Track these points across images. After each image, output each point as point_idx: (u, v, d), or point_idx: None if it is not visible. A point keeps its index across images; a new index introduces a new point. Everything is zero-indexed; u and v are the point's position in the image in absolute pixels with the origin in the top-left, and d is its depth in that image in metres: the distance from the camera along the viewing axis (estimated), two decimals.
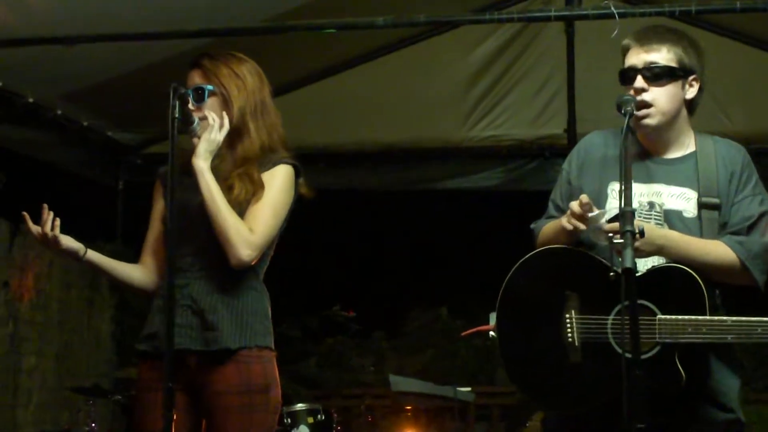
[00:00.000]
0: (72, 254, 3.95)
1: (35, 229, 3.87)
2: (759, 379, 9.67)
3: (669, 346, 3.38)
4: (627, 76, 3.64)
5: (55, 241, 3.88)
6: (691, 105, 3.71)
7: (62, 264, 8.12)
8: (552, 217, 3.82)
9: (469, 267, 12.85)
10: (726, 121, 7.86)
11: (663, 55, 3.60)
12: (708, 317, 3.38)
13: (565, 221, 3.47)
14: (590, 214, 3.41)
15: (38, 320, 8.13)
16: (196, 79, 3.93)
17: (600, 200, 3.62)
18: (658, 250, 3.47)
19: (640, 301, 3.33)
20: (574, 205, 3.45)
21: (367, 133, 8.64)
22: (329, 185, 8.61)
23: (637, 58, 3.62)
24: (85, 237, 8.13)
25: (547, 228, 3.76)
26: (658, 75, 3.59)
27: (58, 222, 3.88)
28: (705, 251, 3.49)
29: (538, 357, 3.55)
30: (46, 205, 3.88)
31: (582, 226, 3.43)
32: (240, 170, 3.85)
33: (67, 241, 3.92)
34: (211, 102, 3.88)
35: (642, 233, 3.23)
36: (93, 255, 4.00)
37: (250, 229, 3.76)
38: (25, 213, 3.90)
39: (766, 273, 3.57)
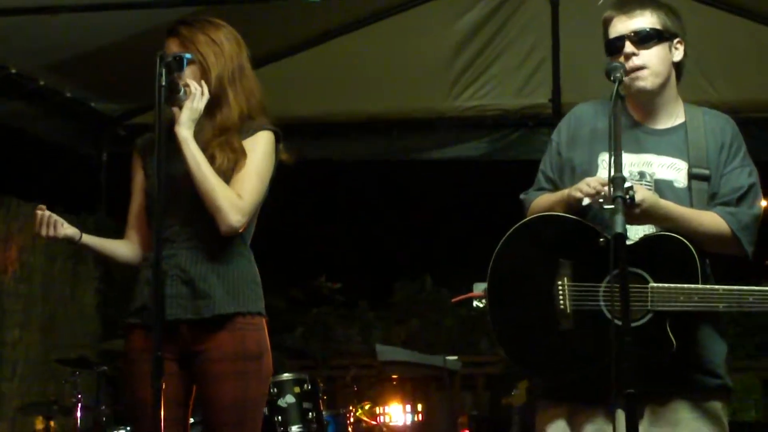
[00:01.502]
0: (68, 240, 3.96)
1: (40, 216, 3.90)
2: (742, 347, 9.73)
3: (660, 314, 3.39)
4: (614, 45, 3.63)
5: (55, 228, 3.90)
6: (678, 69, 3.72)
7: None
8: (543, 188, 3.82)
9: (453, 236, 12.88)
10: (711, 91, 7.85)
11: (647, 19, 3.61)
12: (700, 286, 3.40)
13: (578, 193, 3.46)
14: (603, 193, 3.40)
15: (22, 292, 8.12)
16: (173, 47, 3.90)
17: (591, 171, 3.62)
18: (655, 219, 3.48)
19: (632, 269, 3.36)
20: (594, 182, 3.44)
21: (352, 104, 8.61)
22: (314, 156, 8.60)
23: (623, 25, 3.62)
24: (69, 208, 8.14)
25: (540, 200, 3.76)
26: (645, 38, 3.60)
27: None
28: (698, 221, 3.51)
29: (530, 324, 3.54)
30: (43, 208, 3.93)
31: (591, 192, 3.42)
32: (220, 139, 3.85)
33: (65, 229, 3.94)
34: (189, 70, 3.86)
35: (633, 199, 3.26)
36: (87, 239, 4.02)
37: (238, 194, 3.76)
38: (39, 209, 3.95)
39: (754, 243, 3.60)
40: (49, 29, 6.49)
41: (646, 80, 3.60)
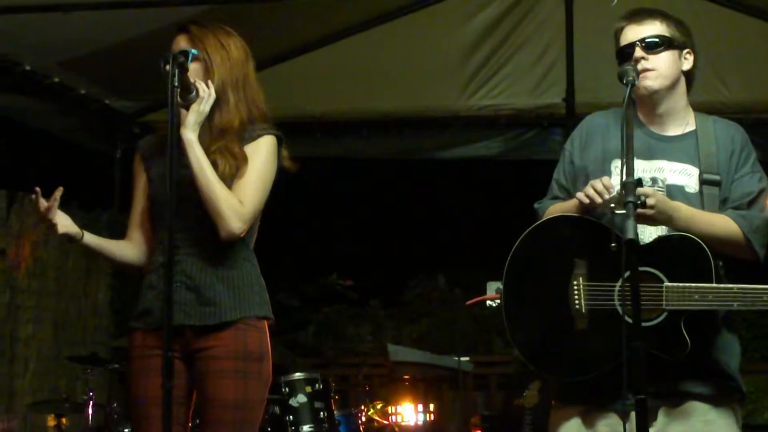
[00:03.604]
0: (69, 237, 3.93)
1: (42, 205, 3.84)
2: (755, 349, 9.72)
3: (675, 313, 3.42)
4: (625, 52, 3.72)
5: (51, 225, 3.87)
6: (688, 78, 3.79)
7: None
8: (556, 197, 3.87)
9: (466, 236, 12.86)
10: (724, 91, 7.83)
11: (657, 27, 3.72)
12: (714, 285, 3.44)
13: (582, 195, 3.49)
14: (608, 196, 3.42)
15: (35, 288, 8.15)
16: (181, 43, 3.92)
17: None
18: (668, 220, 3.50)
19: (647, 269, 3.42)
20: (597, 184, 3.45)
21: (365, 102, 8.60)
22: (326, 154, 8.61)
23: (633, 33, 3.72)
24: (83, 205, 8.14)
25: (554, 208, 3.80)
26: (655, 44, 3.69)
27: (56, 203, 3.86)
28: (710, 223, 3.57)
29: (545, 324, 3.58)
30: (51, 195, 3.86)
31: (598, 200, 3.44)
32: (220, 144, 3.84)
33: (65, 228, 3.89)
34: (193, 67, 3.84)
35: (644, 203, 3.29)
36: (89, 238, 3.99)
37: (240, 201, 3.77)
38: (38, 189, 3.85)
39: (765, 247, 3.65)
40: (62, 26, 6.49)
41: (654, 81, 3.68)
